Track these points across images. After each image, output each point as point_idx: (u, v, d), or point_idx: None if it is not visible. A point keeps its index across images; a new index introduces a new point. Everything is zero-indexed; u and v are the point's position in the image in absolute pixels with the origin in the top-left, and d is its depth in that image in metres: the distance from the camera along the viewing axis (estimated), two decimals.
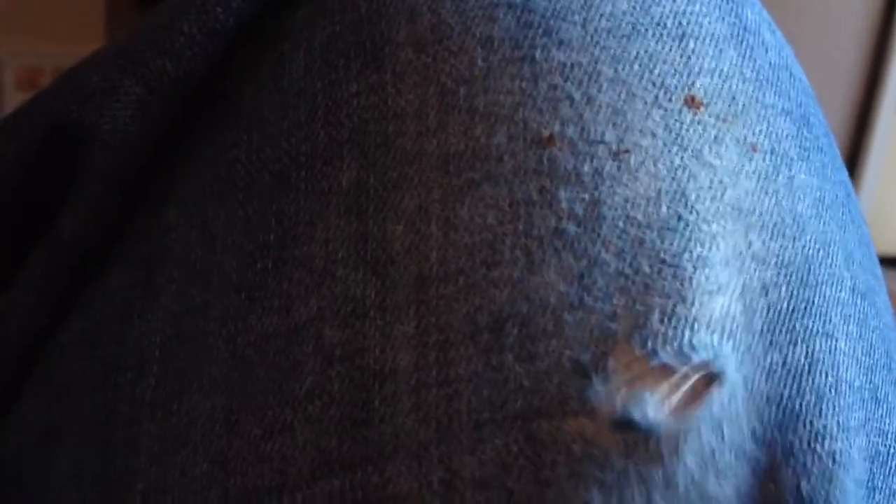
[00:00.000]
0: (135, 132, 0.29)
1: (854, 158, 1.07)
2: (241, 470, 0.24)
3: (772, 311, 0.23)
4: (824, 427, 0.23)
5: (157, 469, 0.26)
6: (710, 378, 0.22)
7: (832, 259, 0.25)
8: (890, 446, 0.25)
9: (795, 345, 0.23)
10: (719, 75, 0.25)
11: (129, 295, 0.28)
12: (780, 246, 0.24)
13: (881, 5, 1.04)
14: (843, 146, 1.07)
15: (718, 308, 0.23)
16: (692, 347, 0.22)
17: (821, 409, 0.23)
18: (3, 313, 0.31)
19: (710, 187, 0.24)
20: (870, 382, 0.24)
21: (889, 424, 0.25)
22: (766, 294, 0.23)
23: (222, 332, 0.25)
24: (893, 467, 0.25)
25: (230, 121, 0.28)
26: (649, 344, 0.22)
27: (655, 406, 0.22)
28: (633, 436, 0.21)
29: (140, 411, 0.26)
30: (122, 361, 0.28)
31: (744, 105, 0.25)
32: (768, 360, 0.23)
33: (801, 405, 0.23)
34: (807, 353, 0.23)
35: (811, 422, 0.23)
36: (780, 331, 0.23)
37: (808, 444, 0.23)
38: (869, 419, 0.24)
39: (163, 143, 0.29)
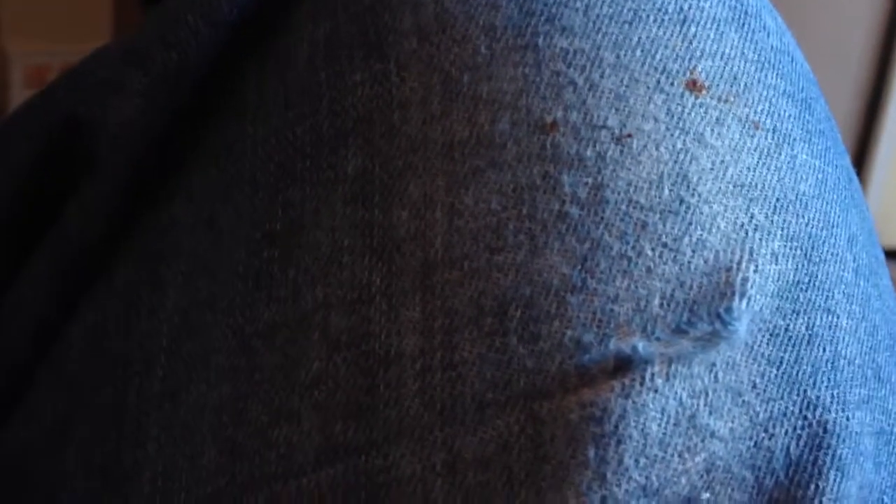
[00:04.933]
0: (140, 125, 0.29)
1: (863, 150, 1.07)
2: (249, 457, 0.24)
3: (781, 278, 0.24)
4: (817, 398, 0.23)
5: (165, 458, 0.26)
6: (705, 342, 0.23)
7: (835, 239, 0.25)
8: (893, 425, 0.25)
9: (797, 315, 0.24)
10: (721, 57, 0.25)
11: (137, 288, 0.28)
12: (784, 220, 0.24)
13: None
14: (853, 138, 1.07)
15: (722, 282, 0.23)
16: (690, 325, 0.22)
17: (815, 381, 0.23)
18: (11, 306, 0.31)
19: (711, 168, 0.24)
20: (873, 361, 0.25)
21: (892, 404, 0.25)
22: (776, 262, 0.24)
23: (229, 322, 0.26)
24: None
25: (235, 113, 0.28)
26: (648, 327, 0.22)
27: (646, 342, 0.22)
28: (630, 374, 0.22)
29: (149, 402, 0.27)
30: (130, 354, 0.28)
31: (746, 85, 0.25)
32: (773, 323, 0.23)
33: (797, 373, 0.23)
34: (807, 325, 0.24)
35: (805, 391, 0.23)
36: (786, 298, 0.24)
37: (800, 410, 0.23)
38: (872, 397, 0.24)
39: (168, 136, 0.29)
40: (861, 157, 1.07)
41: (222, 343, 0.26)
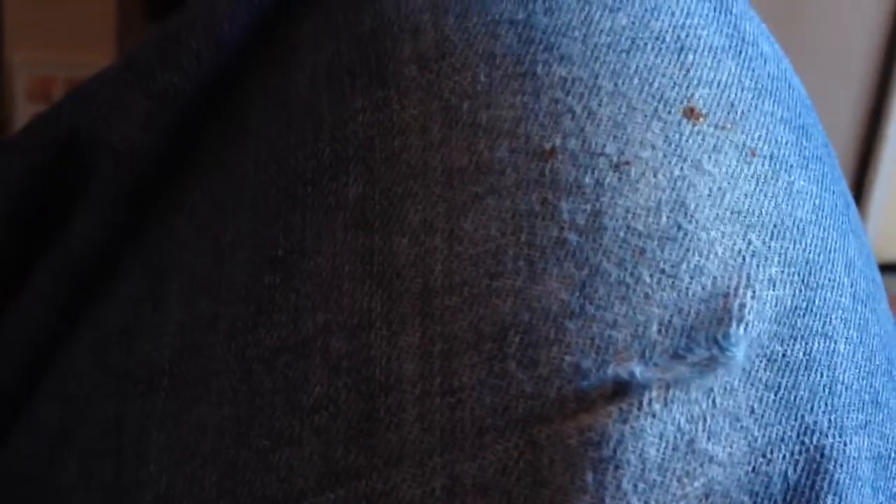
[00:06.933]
0: (143, 145, 0.29)
1: (865, 162, 1.07)
2: (249, 480, 0.24)
3: (779, 304, 0.24)
4: (814, 423, 0.23)
5: (166, 479, 0.26)
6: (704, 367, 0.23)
7: (833, 265, 0.25)
8: (890, 450, 0.25)
9: (795, 341, 0.24)
10: (718, 85, 0.25)
11: (139, 305, 0.29)
12: (781, 246, 0.24)
13: (892, 7, 1.04)
14: (855, 149, 1.07)
15: (720, 308, 0.23)
16: (688, 351, 0.23)
17: (812, 406, 0.23)
18: (14, 318, 0.31)
19: (709, 195, 0.24)
20: (870, 386, 0.25)
21: (890, 429, 0.25)
22: (774, 287, 0.24)
23: (231, 345, 0.26)
24: (894, 471, 0.25)
25: (238, 134, 0.29)
26: (647, 352, 0.22)
27: (643, 367, 0.22)
28: (628, 400, 0.22)
29: (150, 422, 0.27)
30: (132, 372, 0.28)
31: (742, 112, 0.25)
32: (770, 349, 0.23)
33: (795, 398, 0.23)
34: (805, 350, 0.24)
35: (802, 416, 0.23)
36: (784, 324, 0.24)
37: (798, 435, 0.23)
38: (869, 422, 0.24)
39: (172, 154, 0.30)
40: (864, 167, 1.07)
41: (223, 365, 0.26)
